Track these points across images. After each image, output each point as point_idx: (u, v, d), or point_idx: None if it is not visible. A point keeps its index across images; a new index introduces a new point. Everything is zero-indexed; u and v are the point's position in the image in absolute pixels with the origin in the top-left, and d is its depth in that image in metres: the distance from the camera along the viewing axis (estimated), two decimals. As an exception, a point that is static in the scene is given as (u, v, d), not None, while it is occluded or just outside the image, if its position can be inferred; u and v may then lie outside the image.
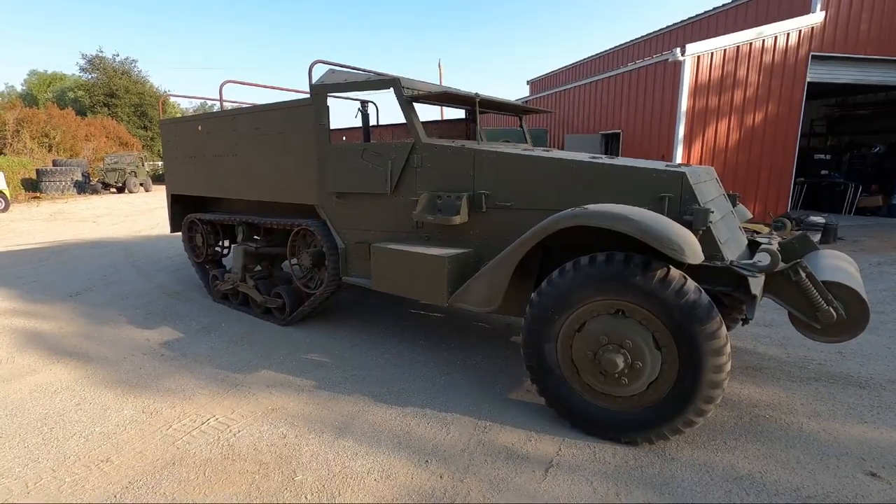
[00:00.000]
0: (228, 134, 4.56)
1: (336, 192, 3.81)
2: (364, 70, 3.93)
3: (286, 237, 4.46)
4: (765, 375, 3.46)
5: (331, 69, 3.86)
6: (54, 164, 22.78)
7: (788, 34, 9.69)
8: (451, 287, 3.11)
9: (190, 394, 3.23)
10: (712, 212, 2.56)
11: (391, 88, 3.45)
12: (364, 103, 4.61)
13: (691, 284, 2.37)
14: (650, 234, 2.28)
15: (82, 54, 37.55)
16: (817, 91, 11.62)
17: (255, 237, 4.93)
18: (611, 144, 12.32)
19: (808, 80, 9.98)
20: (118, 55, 35.87)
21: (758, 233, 4.30)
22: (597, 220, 2.43)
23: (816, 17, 9.67)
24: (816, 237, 8.68)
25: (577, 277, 2.56)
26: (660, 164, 2.96)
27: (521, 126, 4.80)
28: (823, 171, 13.34)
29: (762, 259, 2.49)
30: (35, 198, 19.28)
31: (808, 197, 12.99)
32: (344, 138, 6.34)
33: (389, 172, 3.49)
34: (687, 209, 2.62)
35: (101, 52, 34.21)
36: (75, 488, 2.30)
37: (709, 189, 3.02)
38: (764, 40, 9.61)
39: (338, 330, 4.40)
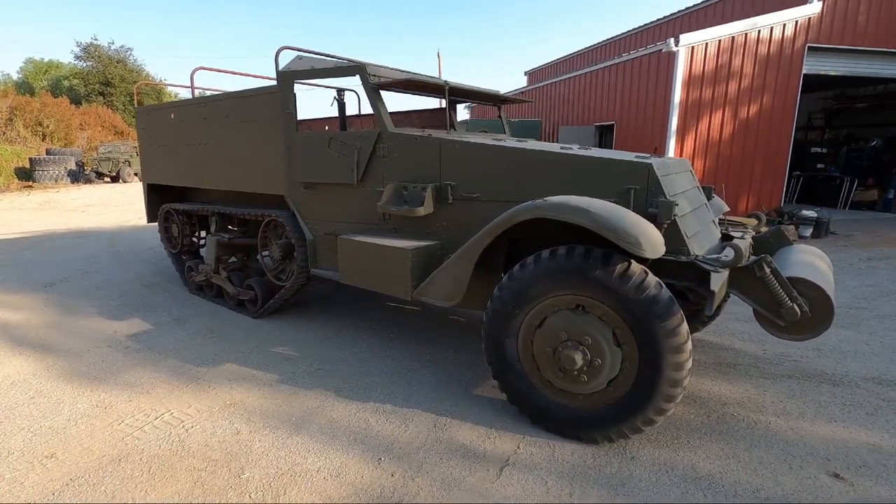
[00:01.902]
0: (199, 122, 4.46)
1: (303, 182, 3.72)
2: (332, 56, 3.82)
3: (259, 228, 4.37)
4: (738, 372, 3.39)
5: (298, 55, 3.76)
6: (48, 153, 22.60)
7: (784, 25, 9.53)
8: (416, 280, 3.03)
9: (148, 388, 3.16)
10: (677, 204, 2.47)
11: (357, 75, 3.35)
12: (340, 91, 4.49)
13: (652, 279, 2.29)
14: (606, 227, 2.20)
15: (77, 42, 37.20)
16: (815, 83, 11.47)
17: (230, 227, 4.84)
18: (605, 136, 12.19)
19: (804, 71, 9.83)
20: (113, 43, 35.57)
21: (740, 224, 4.22)
22: (554, 212, 2.35)
23: (813, 8, 9.50)
24: (808, 231, 8.60)
25: (537, 271, 2.48)
26: (628, 156, 2.87)
27: (499, 116, 4.70)
28: (820, 165, 13.21)
29: (727, 254, 2.40)
30: (27, 187, 19.14)
31: (804, 191, 12.88)
32: (327, 128, 6.23)
33: (356, 162, 3.40)
34: (653, 201, 2.53)
35: (96, 39, 33.82)
36: (13, 485, 2.24)
37: (680, 181, 2.93)
38: (759, 31, 9.44)
39: (310, 323, 4.33)
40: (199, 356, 3.64)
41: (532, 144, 3.26)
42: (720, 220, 3.59)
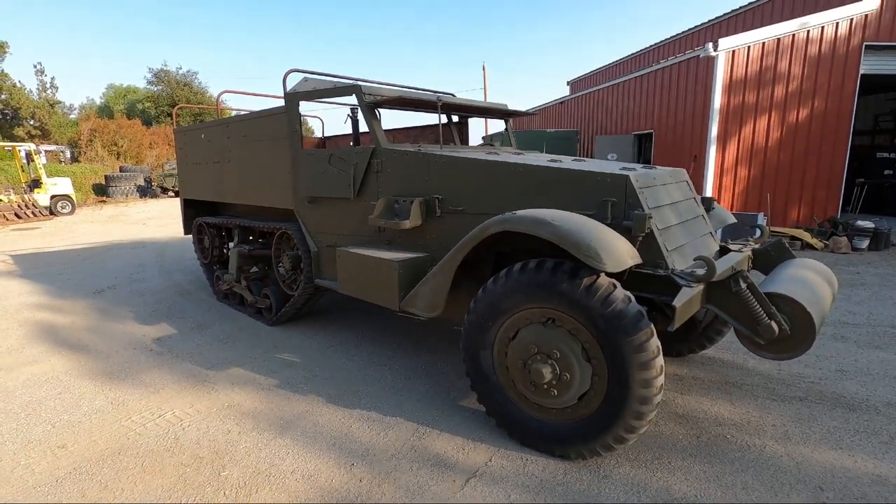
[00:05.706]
0: (224, 141, 4.79)
1: (307, 196, 3.91)
2: (336, 77, 4.01)
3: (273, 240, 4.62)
4: (743, 392, 3.22)
5: (304, 77, 3.98)
6: (121, 170, 24.70)
7: (837, 24, 8.95)
8: (404, 291, 3.11)
9: (160, 387, 3.41)
10: (650, 217, 2.41)
11: (353, 94, 3.51)
12: (354, 109, 4.69)
13: (620, 293, 2.25)
14: (568, 240, 2.20)
15: (149, 68, 40.55)
16: (886, 83, 10.64)
17: (251, 239, 5.14)
18: (644, 145, 11.88)
19: (861, 72, 9.17)
20: (181, 68, 38.42)
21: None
22: (520, 225, 2.37)
23: (870, 4, 8.86)
24: (864, 244, 7.96)
25: (508, 284, 2.50)
26: (611, 167, 2.83)
27: (506, 129, 4.73)
28: (887, 171, 12.19)
29: (701, 268, 2.32)
30: (101, 201, 20.96)
31: (869, 199, 11.89)
32: (351, 144, 6.48)
33: (353, 177, 3.55)
34: (629, 214, 2.49)
35: (166, 65, 36.82)
36: (26, 471, 2.49)
37: (668, 193, 2.86)
38: (809, 31, 8.92)
39: (319, 331, 4.50)
40: (211, 360, 3.88)
41: (519, 158, 3.27)
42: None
